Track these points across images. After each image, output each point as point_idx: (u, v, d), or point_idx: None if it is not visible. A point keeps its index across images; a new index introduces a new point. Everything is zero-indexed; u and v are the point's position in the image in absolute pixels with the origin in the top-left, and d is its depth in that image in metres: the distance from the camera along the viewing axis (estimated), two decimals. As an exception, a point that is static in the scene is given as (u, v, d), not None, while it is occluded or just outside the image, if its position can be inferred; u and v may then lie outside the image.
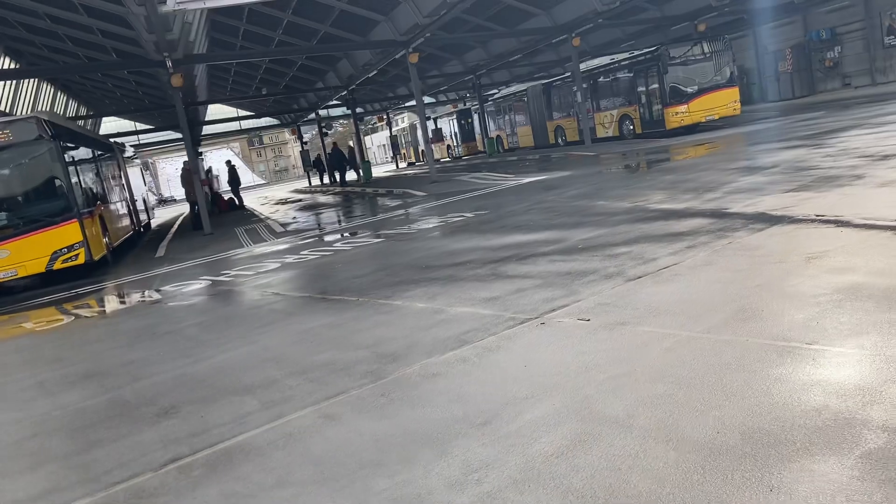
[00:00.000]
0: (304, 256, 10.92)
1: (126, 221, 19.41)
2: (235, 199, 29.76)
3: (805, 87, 31.66)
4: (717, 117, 22.82)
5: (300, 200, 28.45)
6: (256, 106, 48.00)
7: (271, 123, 54.51)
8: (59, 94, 33.60)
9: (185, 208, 31.43)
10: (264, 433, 3.96)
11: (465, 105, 44.16)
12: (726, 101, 22.91)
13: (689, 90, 22.73)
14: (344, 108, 39.50)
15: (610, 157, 20.52)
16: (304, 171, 45.83)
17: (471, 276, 7.15)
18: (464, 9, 20.42)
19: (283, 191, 45.78)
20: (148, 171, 74.79)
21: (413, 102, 45.99)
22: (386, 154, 67.39)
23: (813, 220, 6.80)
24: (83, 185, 14.48)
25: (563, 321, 5.05)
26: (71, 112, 37.46)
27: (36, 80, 28.56)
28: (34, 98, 28.90)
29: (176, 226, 24.46)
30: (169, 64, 16.25)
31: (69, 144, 14.20)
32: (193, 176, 17.41)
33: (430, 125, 46.29)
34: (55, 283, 12.99)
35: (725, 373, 3.65)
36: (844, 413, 3.01)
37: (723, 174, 11.33)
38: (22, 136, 12.57)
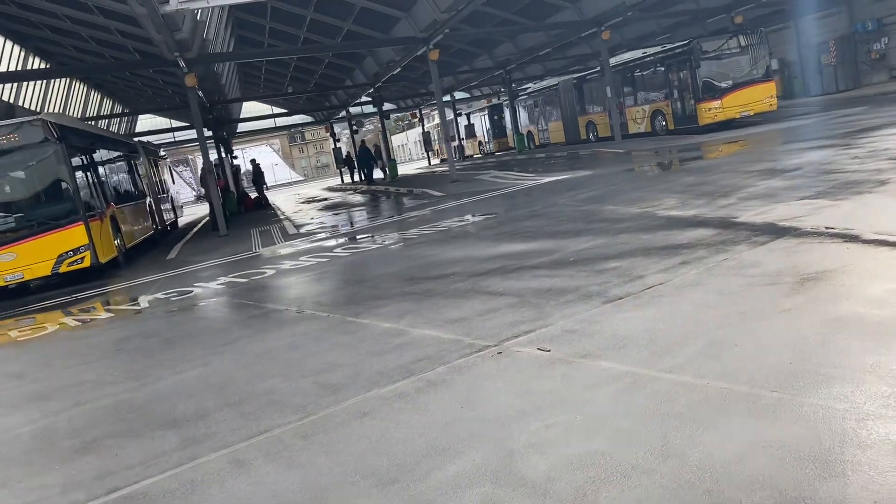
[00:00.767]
0: (301, 263, 10.61)
1: (145, 221, 19.38)
2: (261, 197, 29.75)
3: (849, 80, 30.29)
4: (752, 113, 21.91)
5: (325, 199, 28.27)
6: (290, 103, 48.15)
7: (305, 121, 54.61)
8: (92, 92, 33.99)
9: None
10: (167, 479, 3.60)
11: (498, 100, 43.48)
12: (762, 96, 21.94)
13: (723, 85, 21.81)
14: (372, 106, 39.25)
15: (638, 154, 19.83)
16: (337, 168, 45.82)
17: (449, 292, 6.73)
18: (485, 2, 19.87)
19: (315, 188, 45.81)
20: (188, 168, 75.87)
21: (446, 98, 45.79)
22: (420, 150, 67.10)
23: (820, 234, 6.21)
24: (92, 187, 14.39)
25: (521, 351, 4.60)
26: (106, 110, 37.92)
27: (67, 79, 28.88)
28: (66, 97, 29.23)
29: (200, 225, 24.46)
30: (182, 63, 16.09)
31: (78, 145, 14.13)
32: (208, 176, 17.26)
33: (463, 120, 45.79)
34: (62, 286, 12.94)
35: (672, 426, 3.18)
36: (791, 490, 2.52)
37: (742, 177, 10.67)
38: (28, 139, 12.50)
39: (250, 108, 49.17)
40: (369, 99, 36.55)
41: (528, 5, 25.02)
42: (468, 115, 45.82)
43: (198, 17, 15.88)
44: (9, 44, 22.63)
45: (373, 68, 29.28)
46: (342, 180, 43.38)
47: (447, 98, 45.09)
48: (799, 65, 32.69)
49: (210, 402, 4.71)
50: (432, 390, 4.18)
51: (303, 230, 16.32)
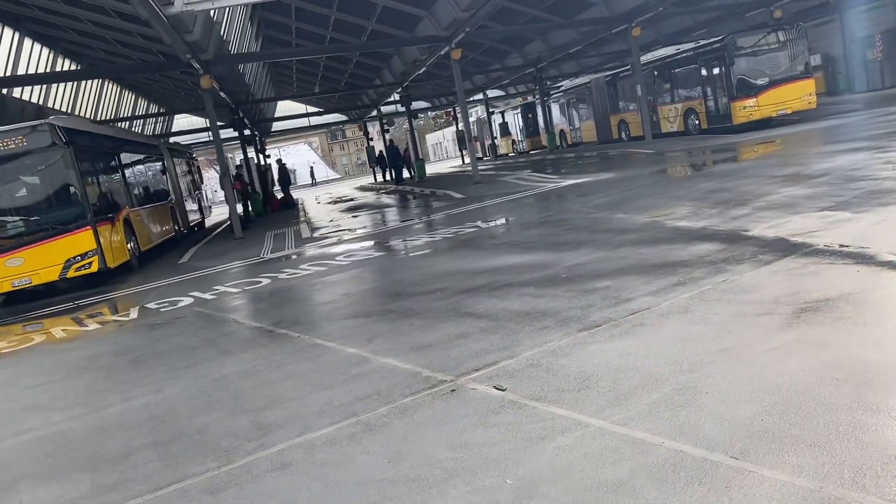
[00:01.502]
0: (299, 272, 10.28)
1: (165, 223, 19.29)
2: (287, 197, 29.67)
3: (896, 75, 28.94)
4: (789, 111, 20.93)
5: (351, 200, 28.02)
6: (324, 102, 48.17)
7: (339, 119, 54.57)
8: (125, 93, 34.32)
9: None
10: (56, 538, 3.26)
11: (533, 98, 42.79)
12: (800, 93, 20.91)
13: (759, 82, 20.84)
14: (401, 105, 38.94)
15: (666, 156, 19.10)
16: (370, 167, 45.68)
17: (428, 311, 6.30)
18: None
19: (348, 187, 45.68)
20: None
21: (479, 96, 45.23)
22: (457, 148, 66.67)
23: (832, 252, 5.63)
24: (103, 191, 14.30)
25: (475, 389, 4.16)
26: (141, 110, 38.31)
27: (98, 80, 29.14)
28: (97, 98, 29.51)
29: (222, 227, 24.41)
30: (196, 66, 15.91)
31: (89, 149, 14.03)
32: (223, 178, 17.10)
33: (497, 119, 45.18)
34: (69, 292, 12.85)
35: (607, 501, 2.70)
36: None
37: (765, 183, 10.02)
38: (35, 143, 12.40)
39: (284, 107, 49.34)
40: (398, 98, 36.24)
41: (556, 2, 24.36)
42: (502, 114, 45.18)
43: (213, 18, 15.67)
44: (37, 46, 22.83)
45: (400, 67, 28.94)
46: (375, 179, 43.20)
47: (479, 96, 44.58)
48: (844, 60, 31.35)
49: (140, 440, 4.36)
50: (366, 437, 3.75)
51: (317, 234, 16.03)
